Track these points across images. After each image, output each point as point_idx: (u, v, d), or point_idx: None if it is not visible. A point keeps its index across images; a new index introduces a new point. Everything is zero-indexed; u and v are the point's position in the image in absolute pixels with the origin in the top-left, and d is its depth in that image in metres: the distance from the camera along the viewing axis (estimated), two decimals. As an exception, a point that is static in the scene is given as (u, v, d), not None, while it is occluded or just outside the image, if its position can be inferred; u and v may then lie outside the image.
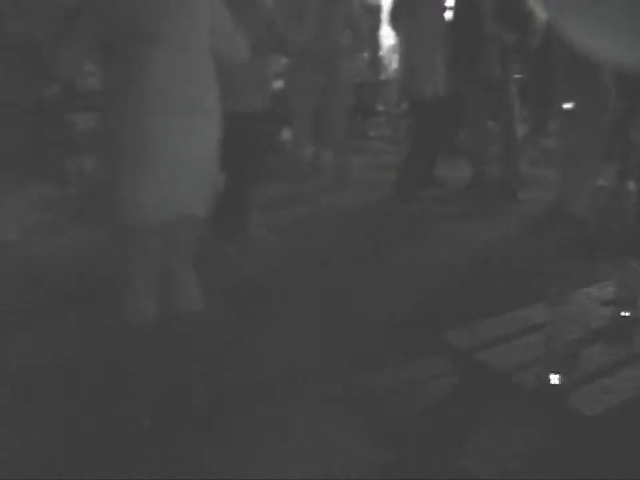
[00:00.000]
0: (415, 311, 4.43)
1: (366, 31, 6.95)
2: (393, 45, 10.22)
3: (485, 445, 2.64)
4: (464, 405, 2.93)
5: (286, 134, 7.53)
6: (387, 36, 10.74)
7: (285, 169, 7.02)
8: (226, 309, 4.30)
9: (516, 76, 7.72)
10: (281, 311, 4.46)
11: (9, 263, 5.12)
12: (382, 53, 10.81)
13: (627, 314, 2.83)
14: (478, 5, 6.61)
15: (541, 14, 9.16)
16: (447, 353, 2.89)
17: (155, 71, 2.91)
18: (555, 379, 2.37)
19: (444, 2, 7.03)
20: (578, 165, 6.10)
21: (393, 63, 10.41)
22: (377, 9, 10.58)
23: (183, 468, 2.86)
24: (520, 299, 3.42)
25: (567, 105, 6.02)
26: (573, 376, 2.39)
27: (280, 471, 2.86)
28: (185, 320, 3.23)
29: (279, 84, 7.53)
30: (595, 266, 4.67)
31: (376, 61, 9.73)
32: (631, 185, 7.07)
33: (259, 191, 5.79)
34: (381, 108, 9.56)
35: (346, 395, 3.44)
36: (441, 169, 7.50)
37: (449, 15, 7.01)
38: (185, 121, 2.98)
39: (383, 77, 8.84)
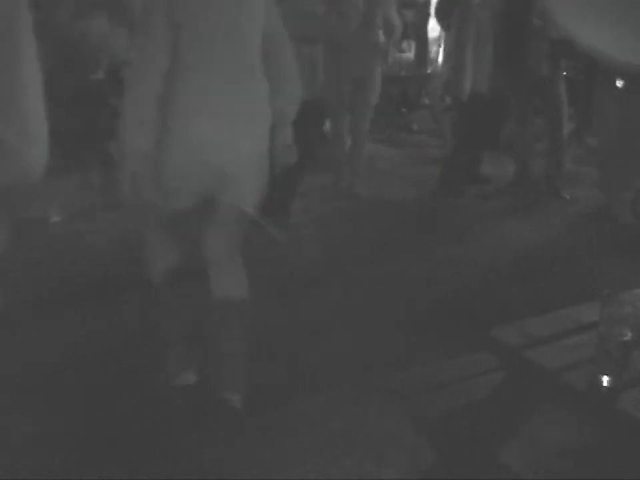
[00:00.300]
0: (461, 306, 4.46)
1: (400, 32, 6.85)
2: (439, 39, 10.16)
3: (530, 444, 2.61)
4: (510, 403, 2.91)
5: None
6: (434, 29, 10.70)
7: (327, 160, 6.98)
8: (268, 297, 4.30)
9: (564, 73, 7.66)
10: (325, 302, 4.46)
11: (53, 244, 5.15)
12: (429, 46, 10.75)
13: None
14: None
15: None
16: (494, 349, 2.85)
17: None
18: (605, 380, 2.32)
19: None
20: (621, 166, 6.01)
21: (439, 56, 10.37)
22: (425, 2, 10.52)
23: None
24: (568, 297, 3.38)
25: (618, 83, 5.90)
26: (624, 378, 2.34)
27: (325, 464, 2.87)
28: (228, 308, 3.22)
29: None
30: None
31: (422, 55, 9.66)
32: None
33: (304, 180, 5.81)
34: (425, 101, 9.52)
35: (391, 389, 3.43)
36: (485, 165, 7.43)
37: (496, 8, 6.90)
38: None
39: (428, 71, 8.78)
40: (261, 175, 3.18)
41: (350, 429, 3.15)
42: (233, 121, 2.99)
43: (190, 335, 3.37)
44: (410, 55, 8.90)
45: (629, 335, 2.36)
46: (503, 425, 2.89)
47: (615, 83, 6.11)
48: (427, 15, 10.42)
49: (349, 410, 3.29)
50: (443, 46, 9.54)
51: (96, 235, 5.31)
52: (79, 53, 5.44)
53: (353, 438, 3.07)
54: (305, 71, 4.90)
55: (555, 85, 6.90)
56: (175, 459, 2.90)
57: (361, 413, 3.26)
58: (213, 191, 3.07)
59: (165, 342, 3.36)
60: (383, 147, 8.43)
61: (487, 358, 3.05)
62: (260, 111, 3.13)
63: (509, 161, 7.44)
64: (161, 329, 3.37)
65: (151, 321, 3.46)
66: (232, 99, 2.99)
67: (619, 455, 2.26)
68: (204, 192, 3.07)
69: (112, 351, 3.73)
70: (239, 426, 3.08)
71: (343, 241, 5.58)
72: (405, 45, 8.94)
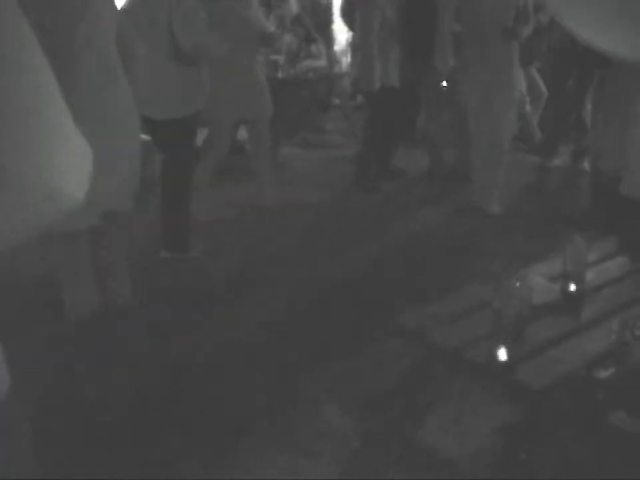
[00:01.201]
0: (372, 296, 4.62)
1: (275, 38, 6.71)
2: (346, 39, 10.28)
3: (445, 423, 2.69)
4: (420, 385, 3.01)
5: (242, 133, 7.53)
6: (341, 30, 10.80)
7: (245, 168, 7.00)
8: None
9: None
10: (246, 305, 4.52)
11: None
12: (336, 47, 10.85)
13: (574, 288, 2.87)
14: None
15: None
16: (400, 335, 2.93)
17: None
18: (503, 353, 2.40)
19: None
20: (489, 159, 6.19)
21: (347, 56, 10.48)
22: (329, 3, 10.62)
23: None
24: (471, 277, 3.49)
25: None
26: (521, 350, 2.43)
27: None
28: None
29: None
30: (544, 242, 4.83)
31: (330, 55, 9.76)
32: (585, 165, 7.18)
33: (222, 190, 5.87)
34: (336, 101, 9.59)
35: (304, 380, 3.52)
36: (399, 158, 7.53)
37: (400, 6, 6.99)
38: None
39: (336, 71, 8.87)
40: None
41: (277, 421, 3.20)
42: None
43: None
44: (320, 58, 8.94)
45: (524, 309, 2.45)
46: (415, 406, 2.98)
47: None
48: (332, 15, 10.54)
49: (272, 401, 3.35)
50: (350, 45, 9.68)
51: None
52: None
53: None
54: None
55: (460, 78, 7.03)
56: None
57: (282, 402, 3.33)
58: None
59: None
60: (297, 149, 8.48)
61: (394, 344, 3.16)
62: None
63: (423, 152, 7.55)
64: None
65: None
66: None
67: (519, 425, 2.34)
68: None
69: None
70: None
71: (260, 244, 5.63)
72: (313, 47, 9.00)
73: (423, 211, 6.34)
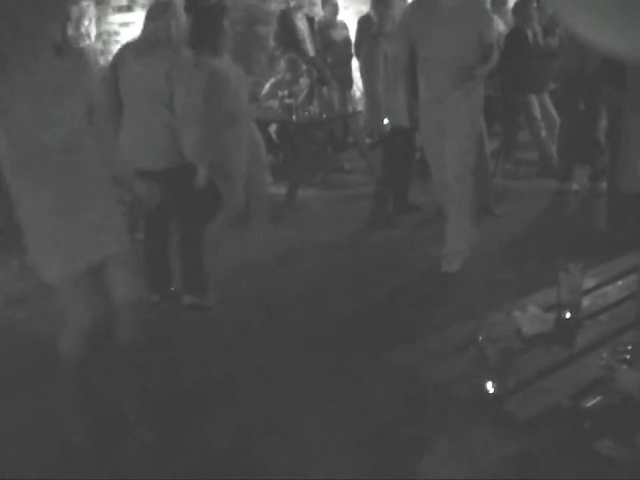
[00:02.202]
0: (371, 331, 4.77)
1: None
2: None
3: (434, 458, 2.70)
4: (409, 421, 3.06)
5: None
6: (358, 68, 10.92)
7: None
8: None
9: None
10: (254, 344, 4.59)
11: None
12: (353, 86, 10.96)
13: (568, 316, 2.88)
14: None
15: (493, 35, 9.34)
16: (391, 371, 2.96)
17: None
18: (489, 387, 2.42)
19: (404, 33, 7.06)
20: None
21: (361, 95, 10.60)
22: (346, 43, 10.73)
23: None
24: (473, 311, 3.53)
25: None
26: (511, 382, 2.44)
27: None
28: None
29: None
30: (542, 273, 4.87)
31: (345, 94, 9.86)
32: (604, 186, 7.17)
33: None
34: (352, 140, 9.66)
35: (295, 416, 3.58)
36: (415, 194, 7.57)
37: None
38: None
39: (351, 110, 8.96)
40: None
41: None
42: None
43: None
44: (332, 100, 9.04)
45: (506, 343, 2.48)
46: (405, 442, 3.02)
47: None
48: (350, 55, 10.65)
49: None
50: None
51: (31, 322, 5.31)
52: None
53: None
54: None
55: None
56: None
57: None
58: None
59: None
60: (317, 190, 8.54)
61: (385, 379, 3.23)
62: None
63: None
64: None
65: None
66: None
67: (506, 456, 2.36)
68: None
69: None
70: None
71: (280, 281, 5.73)
72: (325, 90, 9.10)
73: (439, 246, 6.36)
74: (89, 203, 3.36)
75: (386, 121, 7.34)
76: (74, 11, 7.18)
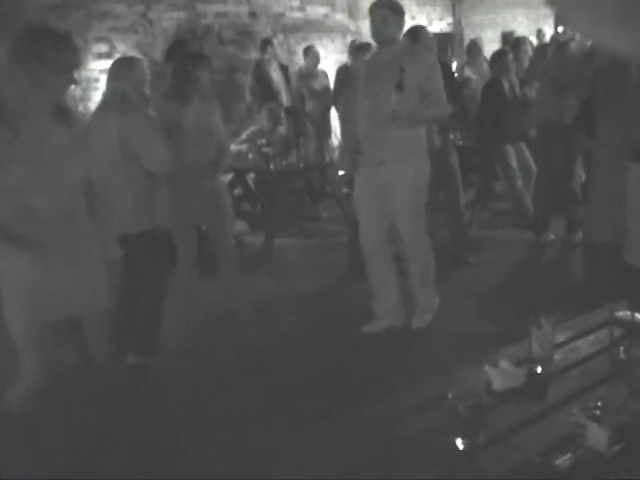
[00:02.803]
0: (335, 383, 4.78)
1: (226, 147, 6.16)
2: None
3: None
4: (381, 475, 3.03)
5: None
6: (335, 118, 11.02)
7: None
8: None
9: (460, 142, 7.95)
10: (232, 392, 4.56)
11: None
12: (332, 135, 11.05)
13: (540, 371, 2.88)
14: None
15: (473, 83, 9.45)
16: (363, 424, 2.95)
17: None
18: (460, 443, 2.41)
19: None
20: None
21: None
22: (326, 92, 10.83)
23: None
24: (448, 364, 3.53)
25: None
26: (481, 438, 2.43)
27: None
28: None
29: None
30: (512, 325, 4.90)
31: (323, 144, 9.93)
32: (579, 237, 7.22)
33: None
34: (328, 189, 9.69)
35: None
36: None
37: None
38: None
39: (328, 159, 9.00)
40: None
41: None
42: None
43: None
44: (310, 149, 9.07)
45: (488, 396, 2.47)
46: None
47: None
48: (329, 105, 10.75)
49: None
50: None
51: None
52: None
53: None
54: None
55: (447, 157, 7.14)
56: None
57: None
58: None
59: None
60: (295, 240, 8.56)
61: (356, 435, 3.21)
62: None
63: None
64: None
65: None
66: None
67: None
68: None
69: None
70: None
71: (255, 331, 5.71)
72: (301, 139, 9.15)
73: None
74: (71, 263, 3.37)
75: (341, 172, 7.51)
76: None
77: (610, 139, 5.55)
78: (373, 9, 5.24)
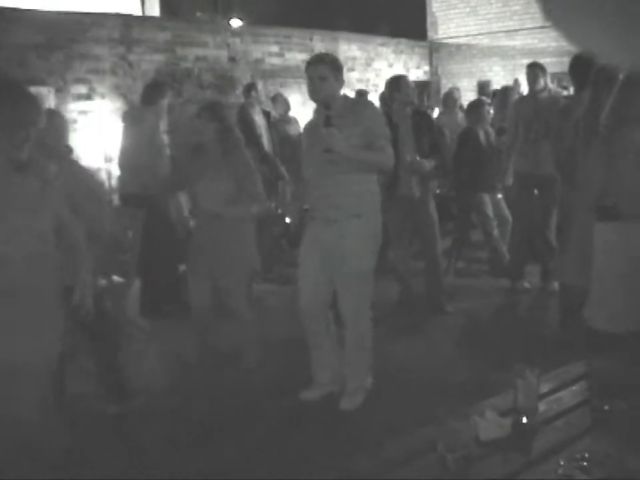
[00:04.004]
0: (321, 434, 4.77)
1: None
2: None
3: None
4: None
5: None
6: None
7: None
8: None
9: (437, 191, 8.02)
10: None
11: None
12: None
13: (525, 421, 2.90)
14: (397, 138, 6.84)
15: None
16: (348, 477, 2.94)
17: None
18: (449, 495, 2.41)
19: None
20: None
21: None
22: (298, 139, 10.88)
23: None
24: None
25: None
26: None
27: None
28: None
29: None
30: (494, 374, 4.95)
31: (299, 189, 9.98)
32: (555, 286, 7.28)
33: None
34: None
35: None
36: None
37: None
38: None
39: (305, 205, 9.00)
40: None
41: None
42: None
43: None
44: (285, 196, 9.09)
45: (465, 450, 2.48)
46: None
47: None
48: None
49: None
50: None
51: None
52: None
53: None
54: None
55: (425, 206, 7.19)
56: None
57: None
58: None
59: None
60: (274, 285, 8.57)
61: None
62: None
63: (391, 282, 7.63)
64: None
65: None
66: None
67: None
68: None
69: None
70: None
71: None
72: (279, 184, 9.17)
73: (394, 344, 6.37)
74: (27, 310, 3.38)
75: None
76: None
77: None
78: (311, 66, 4.97)
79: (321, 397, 5.31)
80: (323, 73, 4.87)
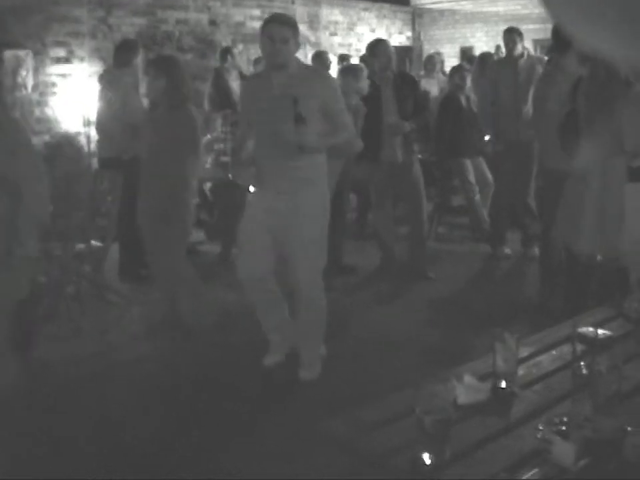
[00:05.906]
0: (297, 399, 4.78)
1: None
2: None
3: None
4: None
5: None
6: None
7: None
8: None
9: (419, 156, 7.96)
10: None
11: None
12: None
13: (504, 386, 2.88)
14: (379, 100, 6.80)
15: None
16: (325, 441, 2.92)
17: None
18: (426, 458, 2.39)
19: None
20: None
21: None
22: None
23: None
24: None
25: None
26: (444, 455, 2.41)
27: None
28: None
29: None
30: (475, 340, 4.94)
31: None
32: (535, 252, 7.26)
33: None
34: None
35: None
36: (350, 255, 7.57)
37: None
38: None
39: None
40: None
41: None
42: None
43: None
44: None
45: (444, 414, 2.45)
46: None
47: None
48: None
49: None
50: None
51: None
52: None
53: None
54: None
55: (409, 168, 7.14)
56: None
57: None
58: None
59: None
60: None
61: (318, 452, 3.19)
62: None
63: (374, 248, 7.61)
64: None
65: None
66: None
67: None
68: None
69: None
70: None
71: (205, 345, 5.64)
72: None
73: (375, 309, 6.36)
74: None
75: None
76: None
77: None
78: (271, 27, 4.65)
79: (280, 362, 5.23)
80: (286, 35, 4.60)
